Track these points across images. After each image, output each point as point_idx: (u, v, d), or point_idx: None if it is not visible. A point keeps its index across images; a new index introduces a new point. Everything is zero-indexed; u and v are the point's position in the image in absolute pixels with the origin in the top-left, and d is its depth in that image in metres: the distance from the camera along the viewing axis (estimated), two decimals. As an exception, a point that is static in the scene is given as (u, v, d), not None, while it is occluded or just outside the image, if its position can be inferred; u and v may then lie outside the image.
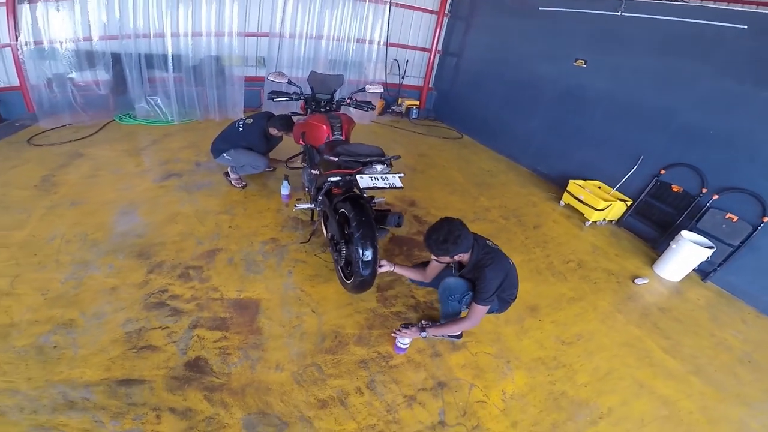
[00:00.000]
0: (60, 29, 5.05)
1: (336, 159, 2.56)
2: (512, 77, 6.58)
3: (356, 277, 2.61)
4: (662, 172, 4.46)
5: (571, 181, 4.94)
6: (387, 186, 2.42)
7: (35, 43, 4.98)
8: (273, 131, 4.02)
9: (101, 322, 2.41)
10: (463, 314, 2.58)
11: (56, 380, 2.04)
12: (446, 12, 7.83)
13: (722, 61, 4.02)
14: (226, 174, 4.29)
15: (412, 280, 2.94)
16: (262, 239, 3.46)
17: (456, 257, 2.31)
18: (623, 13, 4.83)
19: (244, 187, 4.25)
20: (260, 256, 3.24)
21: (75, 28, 5.14)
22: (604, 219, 4.70)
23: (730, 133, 3.96)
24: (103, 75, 5.52)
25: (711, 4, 4.76)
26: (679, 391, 2.64)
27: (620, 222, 4.79)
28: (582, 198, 4.68)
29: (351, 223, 2.61)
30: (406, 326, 2.47)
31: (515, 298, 2.59)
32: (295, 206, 3.35)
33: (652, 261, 4.13)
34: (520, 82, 6.42)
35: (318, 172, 3.09)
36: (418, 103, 8.20)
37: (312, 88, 3.58)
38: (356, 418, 2.12)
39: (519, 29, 6.48)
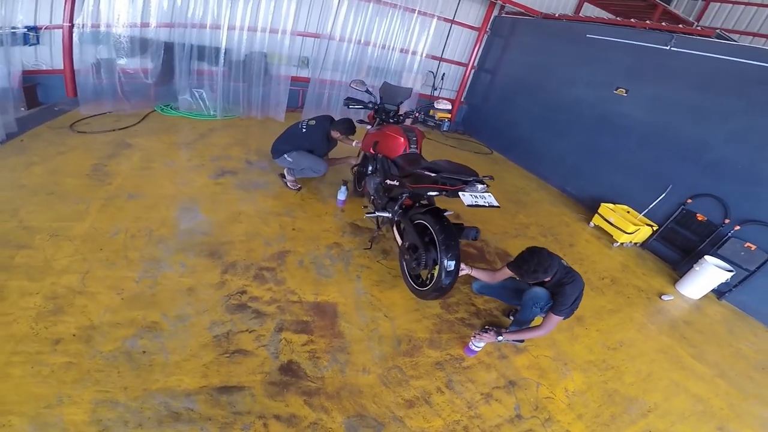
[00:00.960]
0: (119, 13, 4.93)
1: (434, 175, 2.68)
2: (548, 99, 6.79)
3: (437, 285, 2.75)
4: (689, 201, 4.76)
5: (602, 204, 5.21)
6: (486, 204, 2.56)
7: (92, 26, 4.85)
8: (335, 134, 4.06)
9: (186, 325, 2.39)
10: (536, 321, 2.78)
11: (154, 389, 1.99)
12: (488, 29, 8.04)
13: (758, 101, 4.29)
14: (282, 175, 4.33)
15: (478, 290, 3.15)
16: (326, 243, 3.55)
17: (542, 280, 2.61)
18: (672, 48, 5.05)
19: (299, 189, 4.29)
20: (328, 260, 3.32)
21: (134, 13, 5.04)
22: (631, 241, 4.99)
23: (757, 169, 4.27)
24: (150, 63, 5.41)
25: (757, 45, 5.01)
26: (709, 390, 3.00)
27: (645, 244, 5.09)
28: (612, 221, 4.96)
29: (436, 235, 2.74)
30: (485, 330, 2.63)
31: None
32: (366, 215, 3.45)
33: (674, 281, 4.47)
34: (556, 104, 6.63)
35: (396, 183, 3.18)
36: (449, 115, 8.32)
37: (381, 98, 3.68)
38: (441, 415, 2.27)
39: (561, 53, 6.66)
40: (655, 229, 4.99)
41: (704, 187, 4.67)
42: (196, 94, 5.64)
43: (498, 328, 2.70)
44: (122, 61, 5.17)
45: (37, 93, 5.09)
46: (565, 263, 2.68)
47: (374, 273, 3.32)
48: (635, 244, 5.10)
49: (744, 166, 4.37)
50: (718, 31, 5.03)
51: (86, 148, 4.22)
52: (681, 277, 4.41)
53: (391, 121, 3.73)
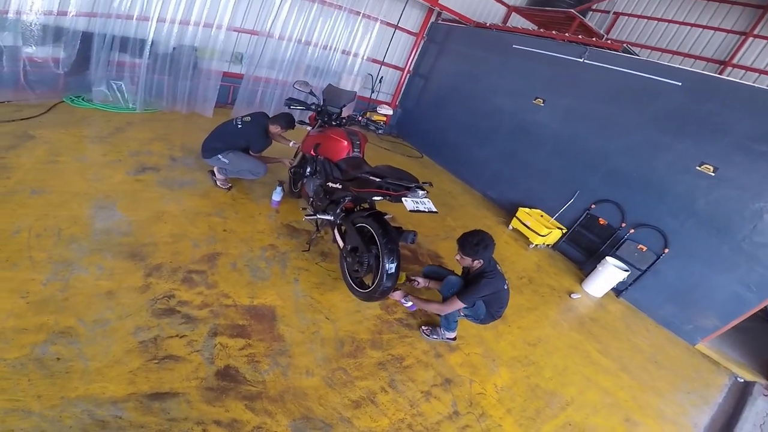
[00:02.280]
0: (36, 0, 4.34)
1: (378, 180, 2.76)
2: (474, 106, 7.15)
3: (379, 286, 2.81)
4: (592, 206, 5.36)
5: (520, 209, 5.66)
6: (426, 210, 2.66)
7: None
8: (275, 128, 3.93)
9: (107, 330, 2.21)
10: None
11: (74, 397, 1.84)
12: (425, 35, 8.28)
13: (654, 114, 4.85)
14: (212, 173, 4.09)
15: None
16: (261, 245, 3.44)
17: (475, 262, 2.79)
18: (585, 60, 5.50)
19: (229, 188, 4.09)
20: (263, 263, 3.22)
21: (52, 0, 4.47)
22: (544, 243, 5.49)
23: (647, 177, 4.88)
24: (63, 53, 4.80)
25: (658, 60, 5.47)
26: (615, 384, 3.36)
27: (556, 246, 5.64)
28: (528, 224, 5.42)
29: (378, 239, 2.81)
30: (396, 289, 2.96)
31: (500, 317, 3.07)
32: (305, 217, 3.40)
33: (581, 280, 4.99)
34: (481, 111, 7.01)
35: (339, 186, 3.18)
36: (386, 119, 8.42)
37: (324, 100, 3.66)
38: (387, 414, 2.34)
39: (489, 62, 7.03)
40: (564, 231, 5.54)
41: (605, 194, 5.25)
42: (114, 86, 5.13)
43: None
44: (30, 49, 4.52)
45: None
46: (499, 267, 2.91)
47: (313, 275, 3.29)
48: (548, 245, 5.62)
49: (638, 175, 4.97)
50: (624, 45, 5.50)
51: (-23, 138, 3.62)
52: (586, 277, 4.92)
53: (334, 123, 3.73)
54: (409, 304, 3.04)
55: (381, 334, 2.94)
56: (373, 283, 2.91)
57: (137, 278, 2.63)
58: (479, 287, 2.74)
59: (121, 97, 5.23)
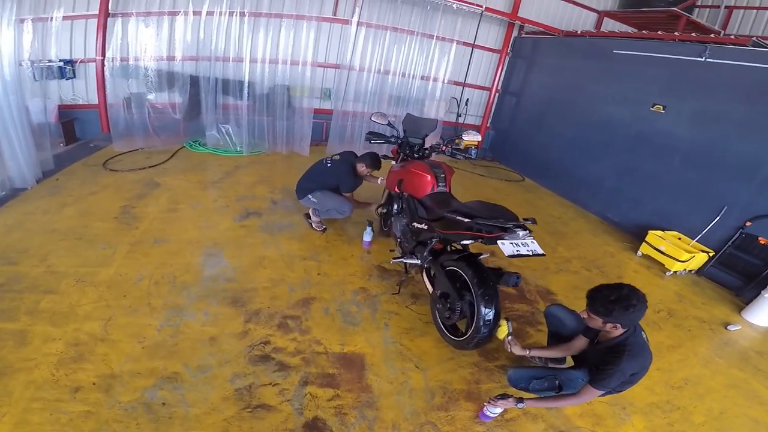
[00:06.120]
0: (146, 46, 5.04)
1: (468, 221, 2.48)
2: (580, 119, 6.54)
3: (474, 335, 2.54)
4: (747, 224, 4.33)
5: (650, 232, 4.83)
6: (530, 253, 2.30)
7: (121, 59, 5.00)
8: (361, 168, 3.92)
9: (207, 377, 2.31)
10: None
11: None
12: (509, 51, 7.95)
13: None
14: (307, 216, 4.22)
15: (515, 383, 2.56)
16: (353, 288, 3.39)
17: (608, 326, 2.04)
18: (707, 59, 4.78)
19: (324, 230, 4.17)
20: (354, 307, 3.16)
21: (160, 46, 5.16)
22: (686, 269, 4.58)
23: None
24: (178, 98, 5.48)
25: None
26: None
27: (701, 272, 4.66)
28: (663, 249, 4.57)
29: (472, 285, 2.54)
30: (502, 397, 2.26)
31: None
32: (393, 260, 3.28)
33: (740, 308, 4.06)
34: (589, 124, 6.36)
35: (425, 227, 2.98)
36: (477, 143, 8.22)
37: (405, 131, 3.54)
38: None
39: (588, 71, 6.46)
40: (711, 255, 4.56)
41: (765, 208, 4.24)
42: (223, 130, 5.69)
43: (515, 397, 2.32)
44: (151, 96, 5.27)
45: (74, 128, 5.28)
46: (644, 335, 2.14)
47: (403, 320, 3.12)
48: (690, 271, 4.67)
49: None
50: (754, 38, 4.68)
51: (116, 187, 4.32)
52: (747, 305, 4.00)
53: (416, 155, 3.56)
54: (521, 405, 2.21)
55: (479, 383, 2.62)
56: (467, 332, 2.64)
57: (237, 324, 2.75)
58: (618, 369, 1.98)
59: (230, 141, 5.77)
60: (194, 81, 5.43)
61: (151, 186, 4.43)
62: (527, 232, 2.34)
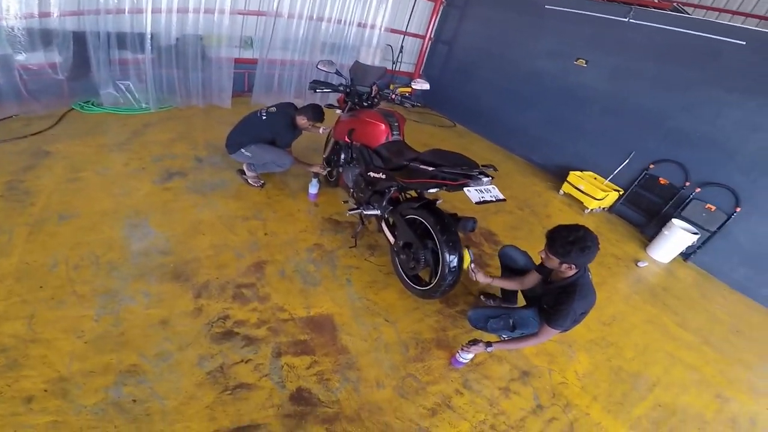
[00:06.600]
0: (8, 3, 3.94)
1: (432, 169, 2.40)
2: (509, 70, 6.73)
3: (440, 283, 2.56)
4: (651, 166, 4.97)
5: (571, 173, 5.31)
6: (494, 199, 2.31)
7: None
8: (302, 121, 3.60)
9: (171, 364, 2.06)
10: None
11: None
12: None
13: (716, 72, 4.48)
14: (241, 171, 3.83)
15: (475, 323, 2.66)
16: (306, 246, 3.19)
17: (564, 266, 2.13)
18: (631, 20, 5.14)
19: (262, 185, 3.81)
20: (312, 266, 3.00)
21: (28, 2, 4.06)
22: (601, 207, 5.13)
23: (713, 135, 4.51)
24: (58, 57, 4.45)
25: (715, 20, 5.12)
26: (700, 359, 3.13)
27: (612, 209, 5.28)
28: (582, 188, 5.05)
29: (435, 232, 2.53)
30: (473, 342, 2.39)
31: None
32: (348, 211, 3.12)
33: (644, 245, 4.66)
34: (518, 75, 6.59)
35: (383, 176, 2.86)
36: (410, 89, 8.03)
37: (352, 80, 3.29)
38: (466, 417, 2.20)
39: (520, 24, 6.59)
40: (621, 193, 5.18)
41: (665, 153, 4.90)
42: (122, 87, 4.76)
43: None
44: (21, 57, 4.19)
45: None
46: (589, 275, 2.25)
47: (365, 273, 3.05)
48: (604, 209, 5.27)
49: (702, 133, 4.60)
50: (674, 4, 5.19)
51: (-7, 161, 3.40)
52: (650, 241, 4.61)
53: (365, 104, 3.36)
54: (490, 348, 2.37)
55: (445, 331, 2.72)
56: (431, 280, 2.66)
57: (187, 301, 2.44)
58: (570, 309, 2.09)
59: (132, 98, 4.88)
60: (78, 37, 4.43)
61: (40, 155, 3.56)
62: (489, 178, 2.35)
